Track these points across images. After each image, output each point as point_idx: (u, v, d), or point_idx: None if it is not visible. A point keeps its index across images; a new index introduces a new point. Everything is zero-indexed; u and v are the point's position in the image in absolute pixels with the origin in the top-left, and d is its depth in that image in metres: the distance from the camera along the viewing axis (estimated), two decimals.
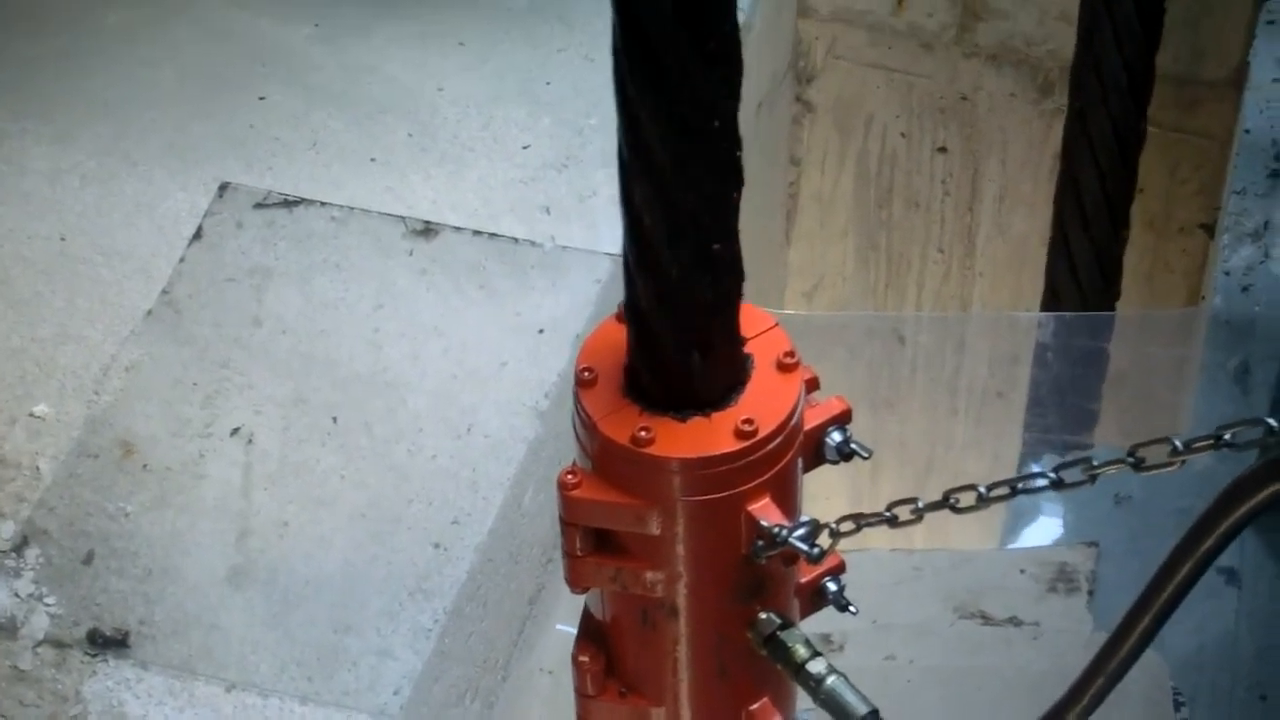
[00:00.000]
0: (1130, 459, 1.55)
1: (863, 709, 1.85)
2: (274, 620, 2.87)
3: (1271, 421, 1.46)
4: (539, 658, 3.14)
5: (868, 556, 3.28)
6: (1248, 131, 3.94)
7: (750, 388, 1.83)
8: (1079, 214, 4.17)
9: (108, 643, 2.84)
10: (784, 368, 1.85)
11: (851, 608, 1.96)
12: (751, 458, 1.79)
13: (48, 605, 2.88)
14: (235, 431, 3.11)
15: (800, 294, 5.31)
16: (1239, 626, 3.11)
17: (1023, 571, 3.28)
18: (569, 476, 1.84)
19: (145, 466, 3.06)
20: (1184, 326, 3.97)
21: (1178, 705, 3.02)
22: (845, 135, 5.08)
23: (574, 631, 3.10)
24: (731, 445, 1.78)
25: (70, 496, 3.02)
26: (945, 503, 1.71)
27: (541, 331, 3.26)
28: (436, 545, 2.96)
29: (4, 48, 3.78)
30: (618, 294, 3.27)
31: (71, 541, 2.96)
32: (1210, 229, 4.69)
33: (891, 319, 4.85)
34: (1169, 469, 1.53)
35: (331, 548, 2.96)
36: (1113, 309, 4.35)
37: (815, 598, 1.98)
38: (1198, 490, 3.11)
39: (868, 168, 5.13)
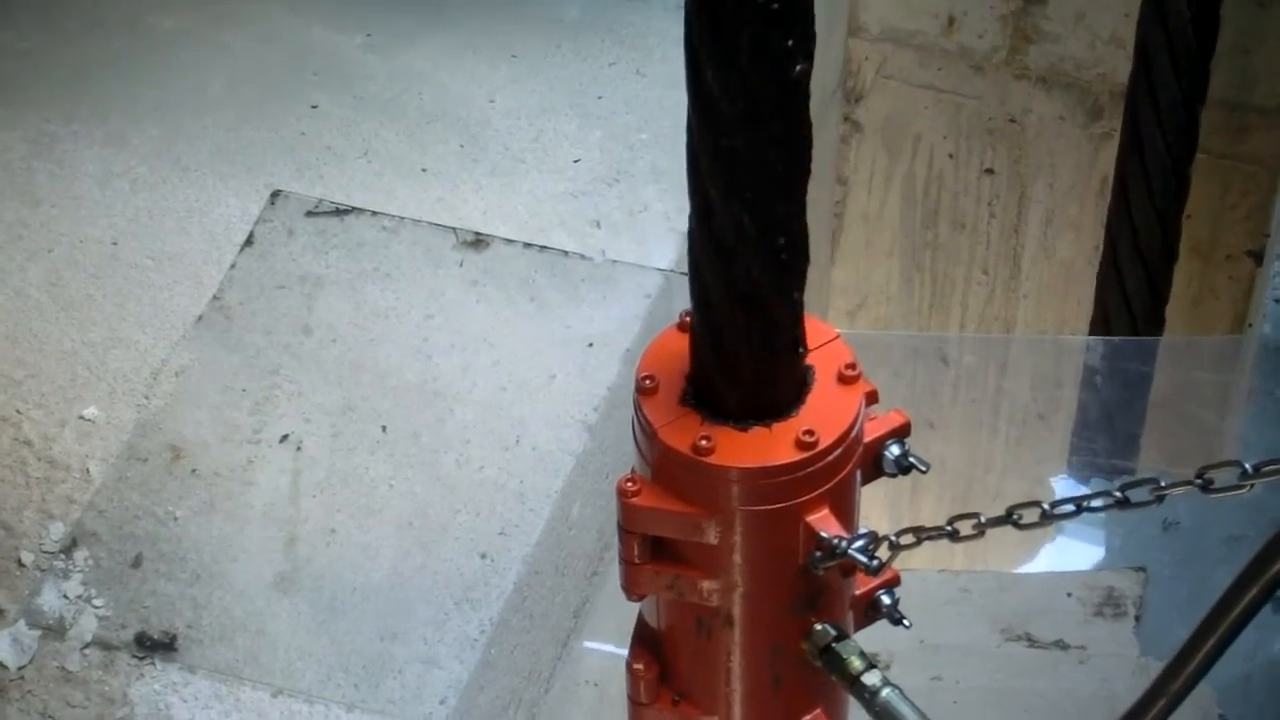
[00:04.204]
0: (1198, 481, 1.54)
1: None
2: (320, 627, 2.87)
3: None
4: (583, 670, 3.14)
5: (915, 577, 3.27)
6: None
7: (811, 399, 1.83)
8: (1131, 239, 4.16)
9: (155, 646, 2.85)
10: (845, 380, 1.85)
11: (905, 621, 1.96)
12: (812, 469, 1.80)
13: (96, 607, 2.89)
14: (284, 438, 3.11)
15: (844, 313, 5.31)
16: None
17: (1070, 595, 3.27)
18: (628, 484, 1.85)
19: (194, 471, 3.07)
20: (1229, 353, 3.96)
21: None
22: (892, 155, 5.08)
23: (602, 648, 3.12)
24: (792, 456, 1.79)
25: (119, 500, 3.03)
26: (1009, 518, 1.70)
27: (591, 345, 3.26)
28: (483, 556, 2.96)
29: (57, 50, 3.80)
30: (667, 309, 3.29)
31: (120, 544, 2.97)
32: (1258, 256, 4.68)
33: (935, 339, 4.85)
34: (1239, 492, 1.52)
35: (379, 556, 2.96)
36: (1160, 334, 4.34)
37: (870, 611, 1.98)
38: (1248, 519, 3.11)
39: (914, 188, 5.13)
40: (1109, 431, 4.08)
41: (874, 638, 2.01)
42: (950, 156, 5.04)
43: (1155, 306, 4.31)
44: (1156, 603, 3.23)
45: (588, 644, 3.17)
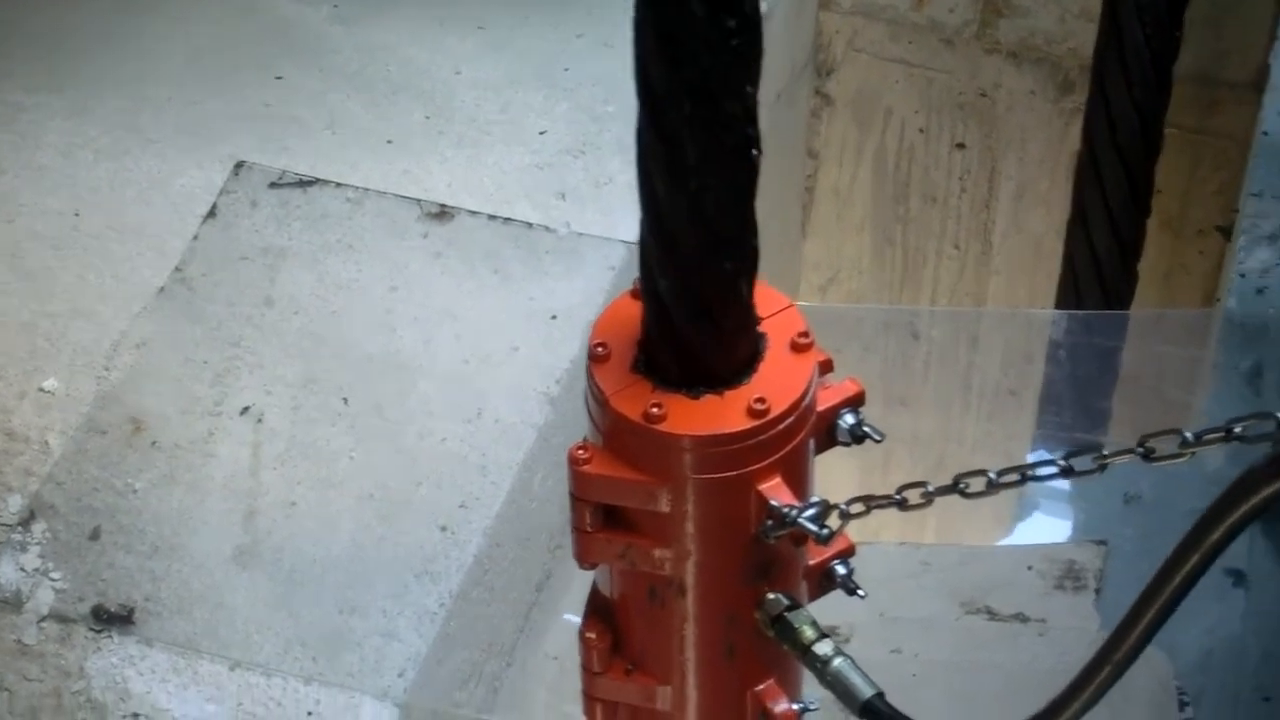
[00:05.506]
0: (1140, 449, 1.54)
1: (868, 691, 1.85)
2: (279, 600, 2.86)
3: None
4: (546, 644, 3.13)
5: (876, 550, 3.27)
6: (1266, 134, 3.92)
7: (763, 367, 1.82)
8: (1099, 204, 4.14)
9: (112, 619, 2.83)
10: (798, 348, 1.83)
11: (860, 591, 1.95)
12: (763, 437, 1.78)
13: (53, 580, 2.87)
14: (245, 410, 3.10)
15: (815, 287, 5.30)
16: (1245, 629, 3.10)
17: (1030, 568, 3.27)
18: (580, 452, 1.83)
19: (154, 444, 3.05)
20: (1197, 327, 3.95)
21: (1182, 705, 3.01)
22: (863, 129, 5.07)
23: (578, 620, 3.10)
24: (743, 424, 1.77)
25: (78, 472, 3.01)
26: (955, 487, 1.70)
27: (554, 317, 3.24)
28: (444, 528, 2.94)
29: (21, 22, 3.78)
30: (632, 281, 3.27)
31: (78, 517, 2.95)
32: (1227, 231, 4.68)
33: (907, 312, 4.84)
34: (1178, 460, 1.52)
35: (339, 529, 2.94)
36: (1129, 304, 4.33)
37: (824, 580, 1.97)
38: (1209, 492, 3.09)
39: (885, 162, 5.11)
40: (1078, 406, 4.07)
41: (834, 610, 2.00)
42: (921, 131, 5.03)
43: (1124, 267, 4.28)
44: (1117, 576, 3.23)
45: (567, 616, 3.16)
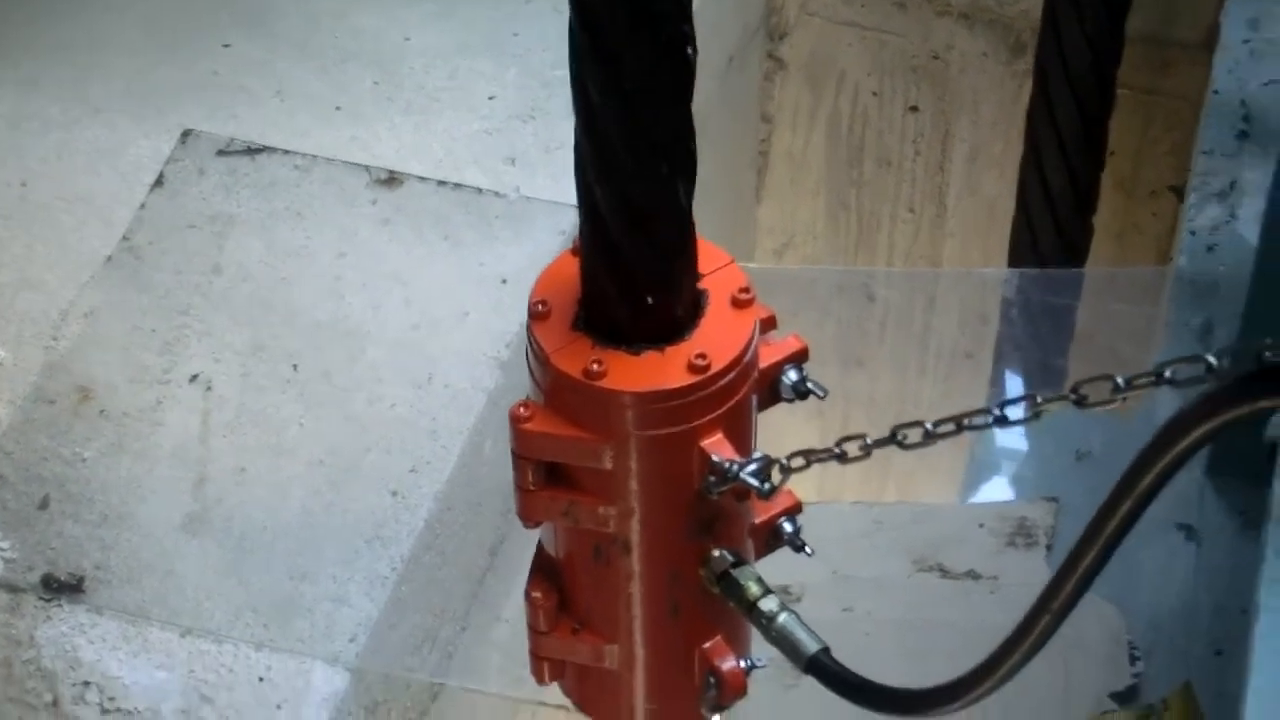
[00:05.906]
0: (1073, 396, 1.54)
1: (813, 646, 1.85)
2: (230, 567, 2.85)
3: (1211, 359, 1.44)
4: (500, 608, 3.13)
5: (829, 509, 3.27)
6: (1216, 93, 3.92)
7: (704, 323, 1.82)
8: (1051, 140, 4.12)
9: (62, 588, 2.82)
10: (739, 304, 1.84)
11: (807, 549, 1.95)
12: (704, 393, 1.78)
13: (2, 550, 2.85)
14: (194, 378, 3.08)
15: (771, 252, 5.29)
16: (1197, 583, 3.11)
17: (982, 526, 3.27)
18: (521, 410, 1.84)
19: (102, 412, 3.03)
20: (1151, 285, 3.96)
21: (1134, 660, 3.02)
22: (817, 93, 5.06)
23: None
24: (684, 380, 1.77)
25: (27, 441, 2.99)
26: (893, 439, 1.70)
27: (504, 282, 3.24)
28: (394, 493, 2.94)
29: None
30: (572, 240, 3.25)
31: (27, 486, 2.94)
32: (1180, 191, 4.68)
33: (862, 274, 4.84)
34: (1110, 406, 1.53)
35: (289, 495, 2.93)
36: (1085, 245, 4.32)
37: (771, 538, 1.97)
38: None
39: (839, 126, 5.11)
40: (1033, 365, 4.08)
41: (786, 570, 2.00)
42: (874, 94, 5.03)
43: (1077, 205, 4.27)
44: (1068, 532, 3.23)
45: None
